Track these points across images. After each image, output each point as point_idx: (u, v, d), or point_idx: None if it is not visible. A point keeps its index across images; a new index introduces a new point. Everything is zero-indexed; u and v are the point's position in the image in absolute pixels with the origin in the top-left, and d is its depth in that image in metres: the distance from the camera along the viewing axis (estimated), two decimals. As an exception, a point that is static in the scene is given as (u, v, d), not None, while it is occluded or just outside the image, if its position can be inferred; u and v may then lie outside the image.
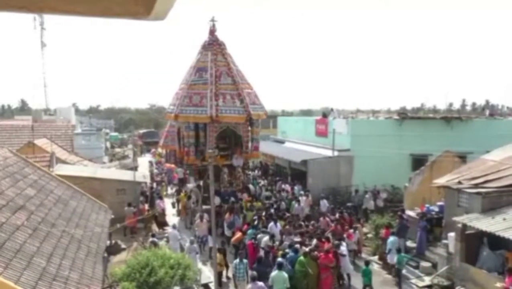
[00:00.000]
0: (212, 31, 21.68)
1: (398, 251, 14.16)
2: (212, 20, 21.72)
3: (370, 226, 18.13)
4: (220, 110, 20.10)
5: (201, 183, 21.71)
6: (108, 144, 49.17)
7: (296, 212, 19.00)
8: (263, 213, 17.48)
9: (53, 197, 11.97)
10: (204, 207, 18.71)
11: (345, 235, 15.22)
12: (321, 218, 17.40)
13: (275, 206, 19.30)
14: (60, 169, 18.84)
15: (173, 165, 31.44)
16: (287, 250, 13.15)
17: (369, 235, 17.75)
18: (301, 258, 12.42)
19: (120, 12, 1.11)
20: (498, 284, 10.99)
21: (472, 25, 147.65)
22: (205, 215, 16.99)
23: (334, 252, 13.04)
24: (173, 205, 23.23)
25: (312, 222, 17.01)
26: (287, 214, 18.08)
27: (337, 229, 16.04)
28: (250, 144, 21.74)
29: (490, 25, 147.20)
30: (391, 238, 14.63)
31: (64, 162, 22.99)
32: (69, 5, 1.05)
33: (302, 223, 16.42)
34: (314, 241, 13.86)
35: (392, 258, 14.16)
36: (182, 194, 21.97)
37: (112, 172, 22.98)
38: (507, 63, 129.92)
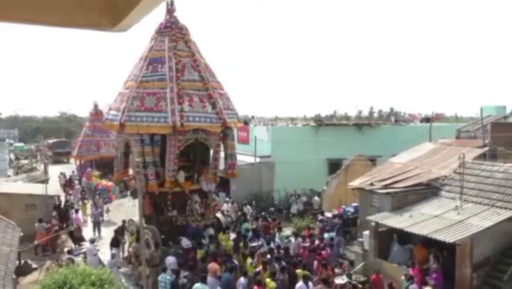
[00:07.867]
0: (170, 11, 16.03)
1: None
2: None
3: (292, 229, 18.81)
4: (187, 117, 14.49)
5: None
6: (12, 156, 45.16)
7: (296, 250, 15.14)
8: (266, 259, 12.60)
9: (-50, 216, 10.73)
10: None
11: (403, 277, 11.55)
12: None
13: (277, 248, 13.97)
14: (-43, 185, 16.94)
15: (110, 183, 25.56)
16: None
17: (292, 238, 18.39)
18: None
19: (84, 23, 1.12)
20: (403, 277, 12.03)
21: (373, 38, 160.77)
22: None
23: None
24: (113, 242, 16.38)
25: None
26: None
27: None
28: (225, 162, 16.52)
29: (390, 37, 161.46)
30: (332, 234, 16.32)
31: (-39, 176, 20.70)
32: (37, 15, 1.04)
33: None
34: None
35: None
36: (131, 236, 15.65)
37: (20, 186, 21.21)
38: (408, 72, 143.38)
